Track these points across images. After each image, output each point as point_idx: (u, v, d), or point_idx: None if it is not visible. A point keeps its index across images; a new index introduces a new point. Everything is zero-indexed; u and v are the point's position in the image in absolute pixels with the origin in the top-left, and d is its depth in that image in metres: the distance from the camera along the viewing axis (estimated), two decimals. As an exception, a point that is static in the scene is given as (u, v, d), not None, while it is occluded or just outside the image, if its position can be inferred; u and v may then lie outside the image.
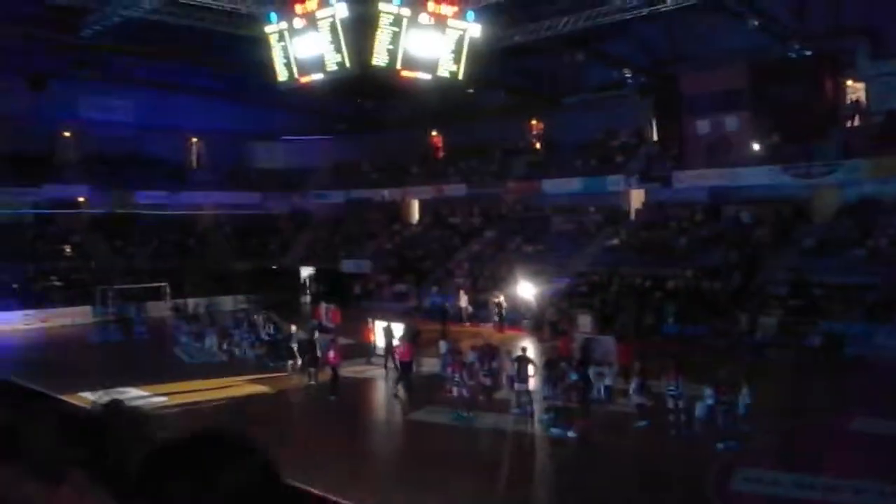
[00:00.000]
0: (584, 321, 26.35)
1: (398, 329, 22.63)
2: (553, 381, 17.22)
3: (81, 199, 40.99)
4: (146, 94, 40.70)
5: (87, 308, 33.87)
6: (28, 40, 31.27)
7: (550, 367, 17.68)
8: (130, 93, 40.68)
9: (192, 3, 25.43)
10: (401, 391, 19.58)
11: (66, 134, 41.42)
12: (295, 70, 20.82)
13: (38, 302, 33.81)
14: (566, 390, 16.45)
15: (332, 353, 19.90)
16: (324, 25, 19.49)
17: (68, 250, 38.73)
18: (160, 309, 34.32)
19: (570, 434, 15.49)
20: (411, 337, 21.81)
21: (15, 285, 34.33)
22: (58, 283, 35.64)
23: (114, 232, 41.02)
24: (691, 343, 24.41)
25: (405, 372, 19.98)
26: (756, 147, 31.61)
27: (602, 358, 19.49)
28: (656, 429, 15.44)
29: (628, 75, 34.84)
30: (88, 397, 18.66)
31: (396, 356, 20.76)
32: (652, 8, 24.99)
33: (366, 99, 38.04)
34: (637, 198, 36.34)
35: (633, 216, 36.07)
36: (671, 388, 15.38)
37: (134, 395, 19.45)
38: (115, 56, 34.51)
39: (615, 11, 26.04)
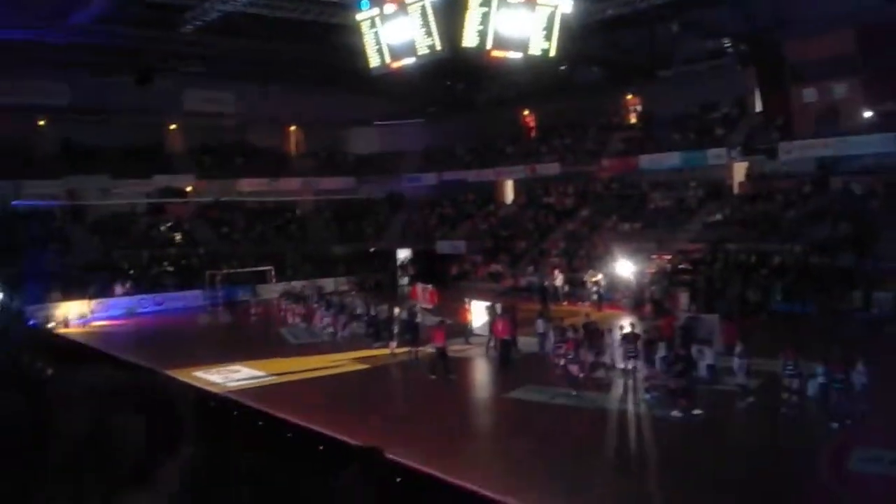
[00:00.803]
0: (687, 299, 25.73)
1: (497, 308, 22.74)
2: (655, 360, 17.01)
3: (189, 189, 42.90)
4: (246, 85, 42.07)
5: (197, 292, 35.50)
6: (133, 39, 32.89)
7: (651, 346, 17.44)
8: (231, 84, 42.13)
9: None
10: (500, 368, 19.71)
11: (173, 126, 43.37)
12: (386, 55, 21.00)
13: (151, 286, 35.71)
14: (669, 369, 16.19)
15: (438, 334, 20.09)
16: (414, 10, 19.56)
17: (178, 237, 40.65)
18: (266, 291, 35.62)
19: (675, 414, 15.22)
20: (510, 315, 21.90)
21: (131, 271, 36.38)
22: (169, 269, 37.51)
23: (220, 219, 42.84)
24: (801, 321, 23.46)
25: (505, 349, 20.11)
26: (867, 114, 29.85)
27: (706, 337, 19.06)
28: (765, 408, 14.99)
29: (727, 44, 33.46)
30: (200, 375, 19.72)
31: (495, 334, 20.90)
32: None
33: (457, 81, 38.11)
34: (739, 171, 35.01)
35: (735, 190, 34.79)
36: (788, 367, 14.91)
37: (244, 373, 20.41)
38: (214, 49, 35.77)
39: (712, -22, 25.09)
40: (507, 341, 20.60)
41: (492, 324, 21.87)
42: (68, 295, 32.29)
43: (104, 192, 39.34)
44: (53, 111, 38.13)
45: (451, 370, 19.48)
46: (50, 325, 28.77)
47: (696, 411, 15.09)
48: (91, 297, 32.60)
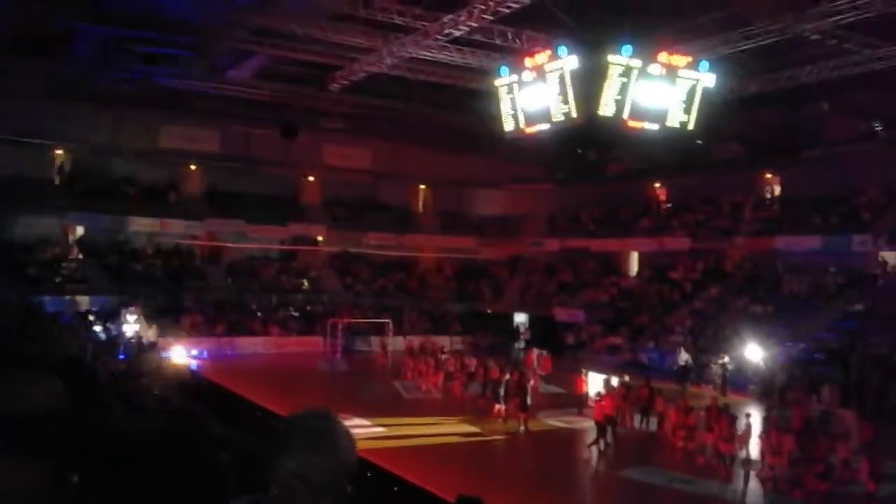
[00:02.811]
0: (821, 392, 24.04)
1: (612, 382, 22.05)
2: (779, 453, 15.95)
3: (320, 238, 44.56)
4: (381, 143, 43.65)
5: (319, 338, 36.46)
6: (283, 94, 35.00)
7: (777, 438, 16.36)
8: (367, 141, 43.85)
9: (429, 58, 27.12)
10: (603, 445, 18.93)
11: (311, 178, 45.43)
12: (521, 120, 21.29)
13: (276, 329, 37.00)
14: (792, 463, 15.14)
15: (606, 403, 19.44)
16: (552, 77, 19.79)
17: (306, 284, 42.11)
18: (384, 344, 36.16)
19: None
20: (619, 391, 21.16)
21: (259, 313, 37.91)
22: (295, 314, 38.79)
23: (345, 269, 44.13)
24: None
25: (606, 425, 19.33)
26: None
27: (839, 434, 17.72)
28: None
29: (878, 127, 31.85)
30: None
31: (599, 409, 20.06)
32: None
33: (589, 149, 37.96)
34: (885, 260, 32.75)
35: (880, 280, 32.52)
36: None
37: (355, 422, 20.60)
38: (356, 108, 37.47)
39: (865, 61, 24.05)
40: (611, 418, 19.65)
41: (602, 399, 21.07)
42: (199, 330, 34.00)
43: (240, 236, 41.43)
44: (203, 157, 40.90)
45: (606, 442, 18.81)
46: (176, 358, 30.19)
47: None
48: (220, 335, 34.17)
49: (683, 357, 30.40)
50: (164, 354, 27.52)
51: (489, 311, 43.18)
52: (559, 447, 19.53)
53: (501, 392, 22.35)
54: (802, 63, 25.81)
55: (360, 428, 19.90)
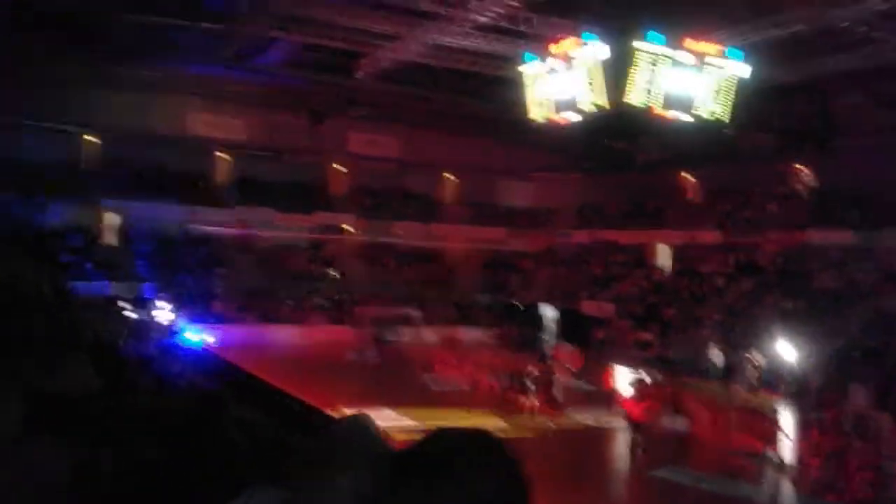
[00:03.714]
0: (858, 393, 23.36)
1: (646, 379, 21.61)
2: (817, 454, 15.53)
3: (347, 227, 44.57)
4: (408, 131, 43.45)
5: (347, 328, 36.43)
6: (310, 82, 34.93)
7: (817, 439, 15.95)
8: (394, 129, 43.67)
9: (454, 46, 26.83)
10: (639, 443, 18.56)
11: (338, 167, 45.41)
12: (548, 109, 20.96)
13: (305, 319, 37.04)
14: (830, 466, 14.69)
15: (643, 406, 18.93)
16: (580, 65, 19.47)
17: (335, 274, 42.13)
18: (411, 334, 35.99)
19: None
20: (653, 389, 20.71)
21: (290, 302, 37.99)
22: (324, 303, 38.78)
23: (373, 259, 44.09)
24: None
25: (639, 434, 18.93)
26: None
27: (873, 436, 17.21)
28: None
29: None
30: (347, 412, 20.01)
31: (637, 409, 19.74)
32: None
33: (618, 138, 37.38)
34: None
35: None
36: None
37: (386, 414, 20.48)
38: (383, 96, 37.31)
39: (897, 50, 23.26)
40: (639, 425, 19.22)
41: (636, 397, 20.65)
42: (228, 318, 34.19)
43: (270, 224, 41.55)
44: (231, 145, 41.07)
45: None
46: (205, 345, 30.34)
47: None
48: (250, 322, 34.34)
49: (716, 354, 29.81)
50: (192, 340, 27.72)
51: (517, 304, 42.83)
52: (589, 446, 19.23)
53: (530, 385, 22.08)
54: (835, 51, 25.04)
55: (390, 420, 19.79)
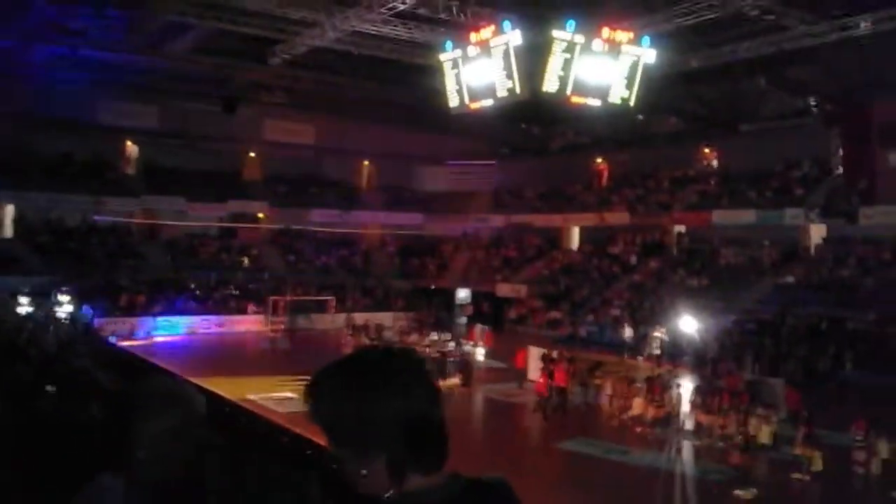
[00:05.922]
0: (751, 361, 24.85)
1: (555, 356, 22.36)
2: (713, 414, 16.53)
3: (261, 215, 43.87)
4: (324, 118, 43.04)
5: (260, 317, 36.01)
6: (223, 68, 34.14)
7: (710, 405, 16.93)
8: (311, 117, 43.18)
9: (373, 33, 26.74)
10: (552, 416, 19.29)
11: (252, 154, 44.60)
12: (466, 96, 21.23)
13: (216, 308, 36.37)
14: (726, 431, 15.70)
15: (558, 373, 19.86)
16: (497, 53, 19.76)
17: (246, 262, 41.44)
18: (325, 321, 35.85)
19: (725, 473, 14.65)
20: (568, 364, 21.51)
21: (198, 291, 37.17)
22: (235, 292, 38.11)
23: (288, 246, 43.60)
24: (872, 392, 22.32)
25: (561, 397, 19.71)
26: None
27: (769, 401, 18.36)
28: (827, 480, 14.27)
29: (813, 103, 32.81)
30: (253, 398, 19.73)
31: (551, 382, 20.49)
32: (844, 33, 23.42)
33: (533, 124, 38.20)
34: (817, 233, 33.93)
35: (812, 252, 33.70)
36: (858, 438, 14.25)
37: (294, 398, 20.34)
38: (299, 82, 36.82)
39: (801, 37, 24.60)
40: (562, 389, 20.11)
41: (549, 371, 21.43)
42: (135, 310, 33.23)
43: (180, 214, 40.50)
44: (141, 133, 39.75)
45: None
46: (115, 338, 29.46)
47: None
48: (157, 314, 33.48)
49: (627, 332, 31.06)
50: (108, 339, 26.88)
51: (433, 287, 43.23)
52: (497, 420, 19.74)
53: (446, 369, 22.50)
54: (741, 38, 26.27)
55: (296, 407, 19.65)
